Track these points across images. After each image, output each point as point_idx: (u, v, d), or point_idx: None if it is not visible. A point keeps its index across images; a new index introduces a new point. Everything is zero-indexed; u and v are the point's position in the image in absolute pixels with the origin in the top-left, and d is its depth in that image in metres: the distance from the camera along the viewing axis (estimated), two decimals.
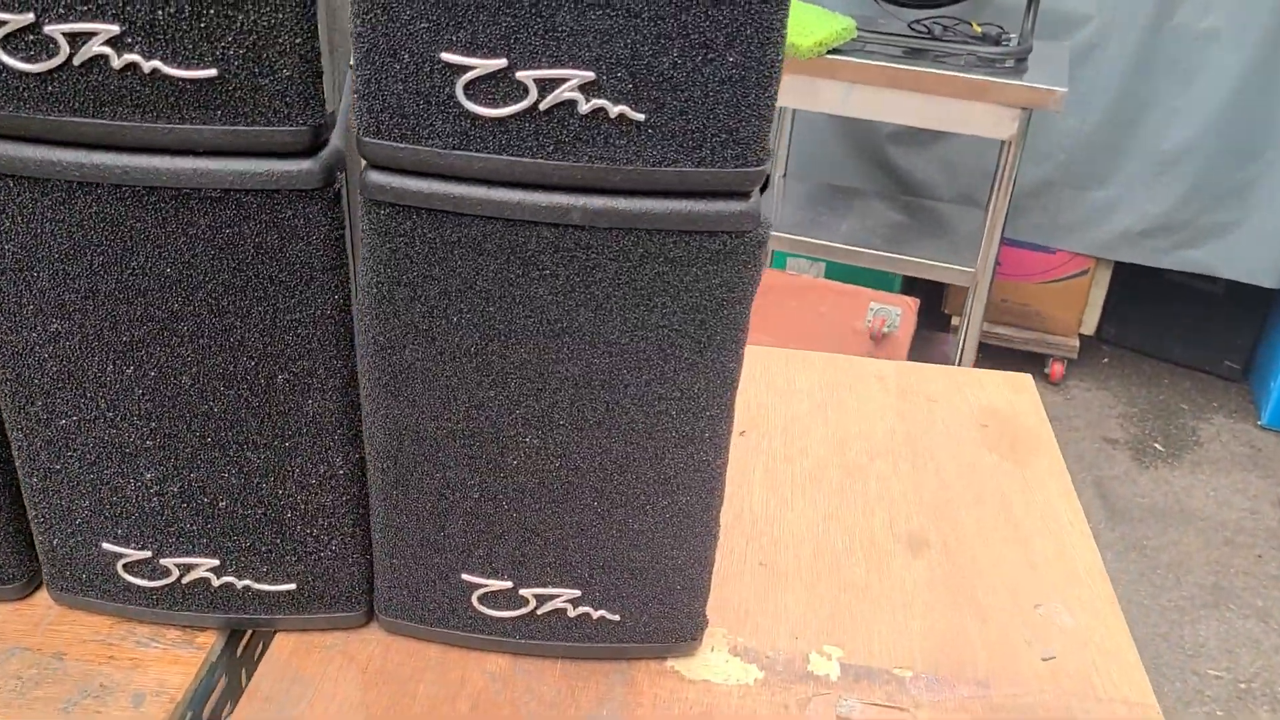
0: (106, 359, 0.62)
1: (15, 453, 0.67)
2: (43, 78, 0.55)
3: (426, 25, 0.54)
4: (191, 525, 0.67)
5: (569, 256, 0.59)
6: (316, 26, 0.56)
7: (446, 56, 0.54)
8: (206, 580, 0.69)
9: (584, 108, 0.55)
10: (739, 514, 0.85)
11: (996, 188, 2.09)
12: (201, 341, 0.62)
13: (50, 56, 0.55)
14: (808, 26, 2.00)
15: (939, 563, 0.82)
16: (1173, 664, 1.97)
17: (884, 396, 1.00)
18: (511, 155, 0.56)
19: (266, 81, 0.56)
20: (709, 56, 0.54)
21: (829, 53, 2.02)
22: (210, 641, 0.70)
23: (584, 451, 0.64)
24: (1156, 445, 2.54)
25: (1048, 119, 2.38)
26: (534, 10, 0.53)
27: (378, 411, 0.64)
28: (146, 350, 0.62)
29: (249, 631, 0.73)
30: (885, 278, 2.45)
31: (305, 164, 0.58)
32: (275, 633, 0.72)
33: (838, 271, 2.45)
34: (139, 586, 0.69)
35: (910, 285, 2.58)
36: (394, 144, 0.57)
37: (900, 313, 2.17)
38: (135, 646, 0.70)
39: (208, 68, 0.55)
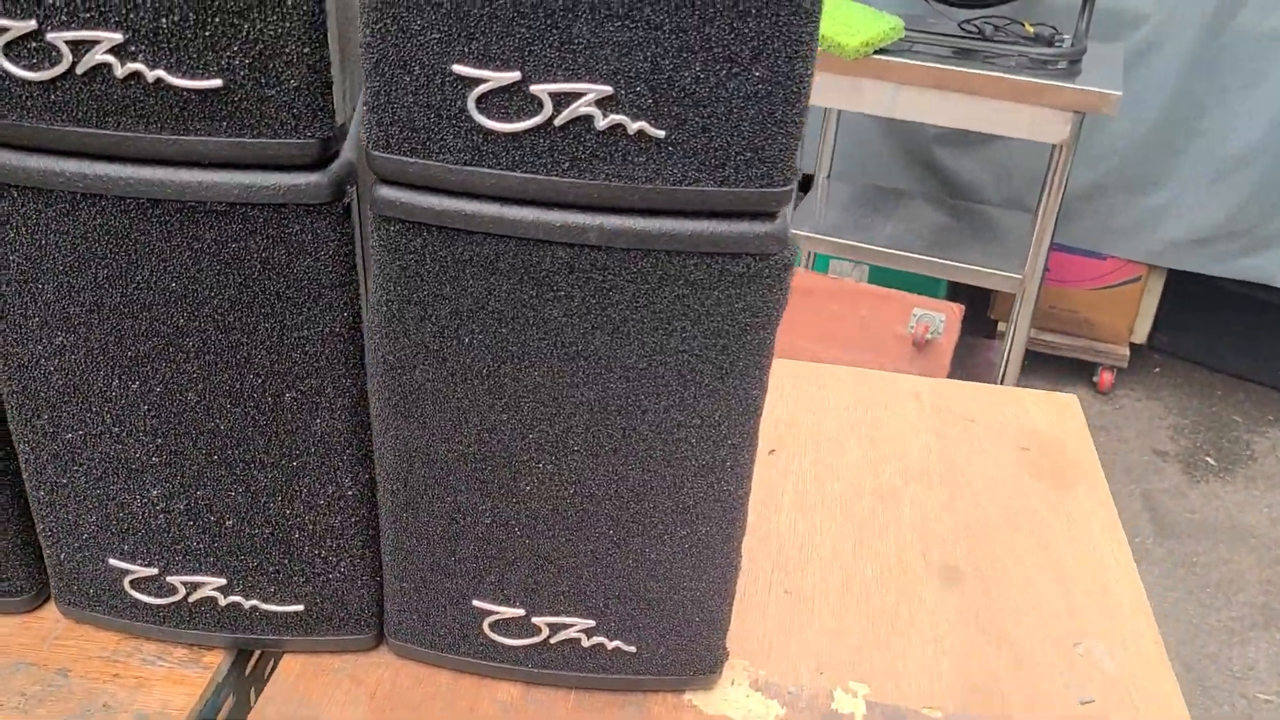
0: (112, 373, 0.61)
1: (23, 465, 0.65)
2: (45, 86, 0.54)
3: (438, 36, 0.51)
4: (198, 543, 0.66)
5: (585, 278, 0.56)
6: (325, 36, 0.54)
7: (458, 69, 0.52)
8: (213, 599, 0.67)
9: (601, 123, 0.52)
10: (765, 538, 0.82)
11: (1046, 192, 2.04)
12: (208, 358, 0.60)
13: (53, 65, 0.53)
14: (854, 26, 1.96)
15: (973, 595, 0.78)
16: (1221, 686, 1.92)
17: (920, 415, 0.96)
18: (525, 172, 0.54)
19: (273, 92, 0.54)
20: (733, 71, 0.51)
21: (876, 53, 1.97)
22: (217, 661, 0.69)
23: (600, 479, 0.62)
24: (1208, 459, 2.47)
25: (1101, 121, 2.32)
26: (549, 22, 0.50)
27: (387, 432, 0.62)
28: (152, 365, 0.60)
29: (258, 650, 0.72)
30: (930, 282, 2.40)
31: (313, 177, 0.56)
32: (283, 653, 0.70)
33: (881, 276, 2.40)
34: (145, 603, 0.68)
35: (956, 290, 2.53)
36: (404, 158, 0.54)
37: (944, 319, 2.12)
38: (141, 665, 0.68)
39: (212, 78, 0.53)
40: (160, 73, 0.53)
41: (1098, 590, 0.79)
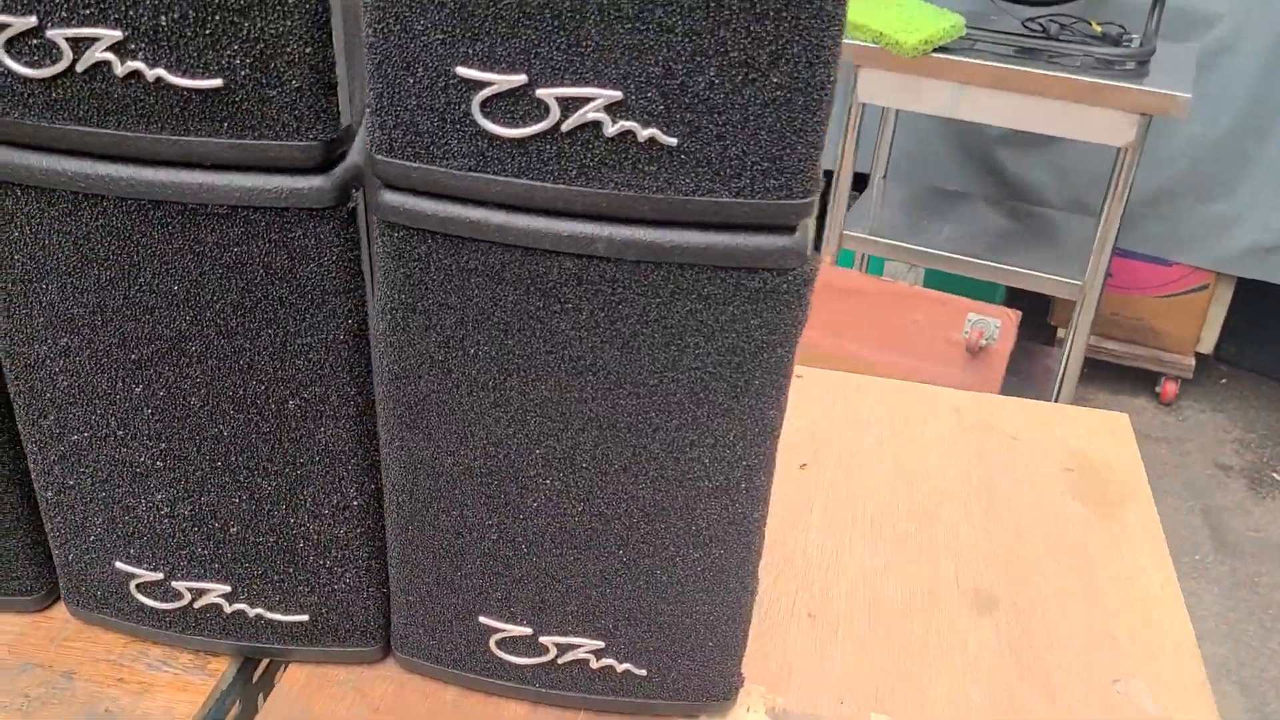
0: (116, 376, 0.60)
1: (31, 465, 0.65)
2: (47, 84, 0.52)
3: (441, 37, 0.49)
4: (203, 549, 0.65)
5: (593, 290, 0.54)
6: (329, 35, 0.52)
7: (462, 71, 0.50)
8: (218, 606, 0.66)
9: (610, 130, 0.50)
10: (790, 557, 0.79)
11: (1110, 196, 1.97)
12: (210, 362, 0.59)
13: (54, 62, 0.52)
14: (913, 23, 1.91)
15: (1007, 625, 0.75)
16: None
17: (960, 431, 0.93)
18: (531, 179, 0.51)
19: (275, 93, 0.52)
20: (750, 77, 0.49)
21: (935, 51, 1.92)
22: (223, 668, 0.68)
23: (609, 497, 0.59)
24: (1275, 474, 2.39)
25: (1170, 124, 2.24)
26: (556, 23, 0.48)
27: (393, 443, 0.60)
28: (155, 369, 0.59)
29: (266, 658, 0.70)
30: (987, 287, 2.34)
31: (317, 181, 0.54)
32: (288, 663, 0.69)
33: (937, 279, 2.35)
34: (151, 608, 0.67)
35: (1014, 296, 2.46)
36: (407, 163, 0.52)
37: (999, 325, 2.07)
38: (146, 669, 0.67)
39: (213, 77, 0.51)
40: (160, 71, 0.51)
41: (1141, 623, 0.75)
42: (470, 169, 0.52)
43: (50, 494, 0.65)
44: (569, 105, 0.50)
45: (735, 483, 0.59)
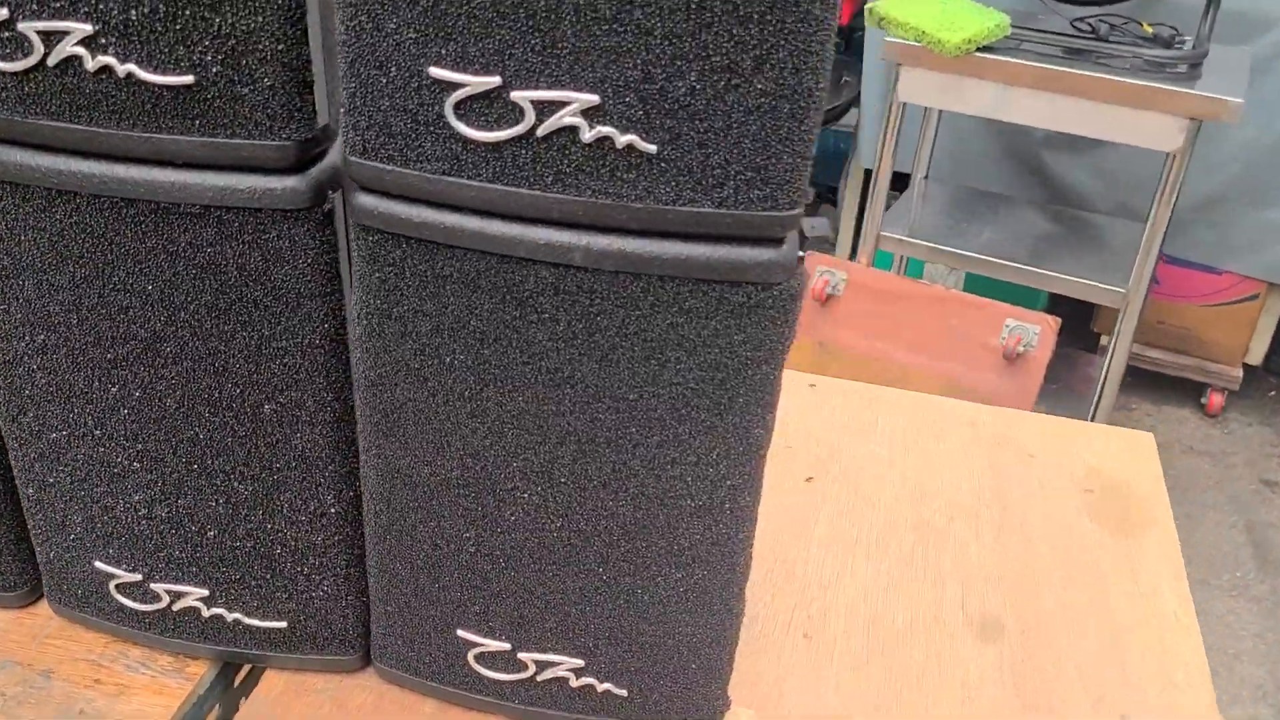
0: (92, 375, 0.59)
1: (12, 462, 0.64)
2: (19, 77, 0.51)
3: (414, 36, 0.47)
4: (180, 552, 0.64)
5: (571, 300, 0.52)
6: (304, 33, 0.50)
7: (435, 72, 0.48)
8: (196, 610, 0.65)
9: (587, 135, 0.48)
10: (790, 574, 0.77)
11: (1157, 202, 1.92)
12: (185, 364, 0.58)
13: (25, 55, 0.51)
14: (956, 21, 1.87)
15: (1012, 652, 0.72)
16: None
17: (975, 446, 0.90)
18: (506, 185, 0.50)
19: (247, 91, 0.50)
20: (733, 82, 0.46)
21: (979, 50, 1.88)
22: (201, 672, 0.67)
23: (588, 513, 0.57)
24: None
25: (1222, 129, 2.17)
26: (531, 24, 0.46)
27: (370, 450, 0.59)
28: (131, 369, 0.58)
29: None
30: (1029, 292, 2.29)
31: (291, 181, 0.53)
32: (266, 669, 0.67)
33: (977, 284, 2.30)
34: (131, 609, 0.66)
35: (1057, 301, 2.41)
36: (381, 165, 0.51)
37: (1039, 331, 2.02)
38: (124, 670, 0.66)
39: (184, 74, 0.50)
40: (131, 67, 0.50)
41: (1154, 654, 0.72)
42: (444, 173, 0.50)
43: (31, 491, 0.64)
44: (544, 109, 0.48)
45: (719, 502, 0.57)
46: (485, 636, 0.62)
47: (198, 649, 0.67)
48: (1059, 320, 2.06)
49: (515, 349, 0.53)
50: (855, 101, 2.58)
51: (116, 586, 0.66)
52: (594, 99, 0.47)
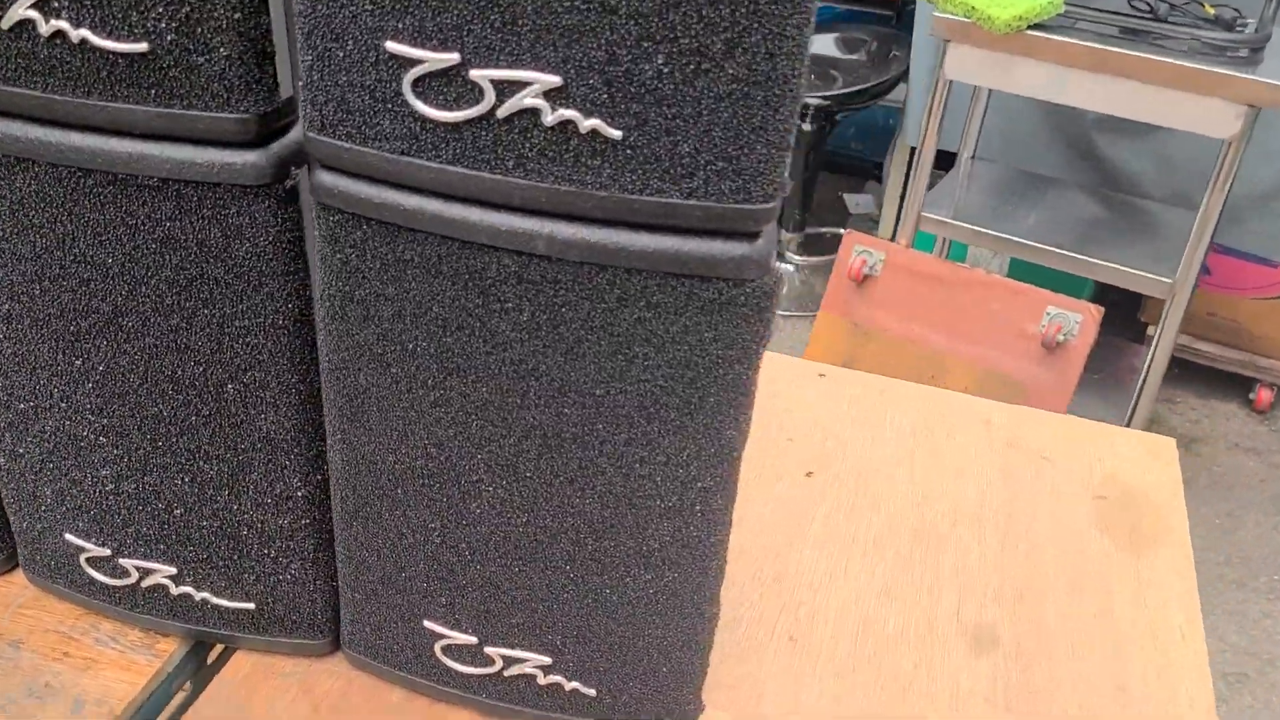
0: (56, 347, 0.58)
1: None
2: None
3: (371, 8, 0.45)
4: (148, 529, 0.62)
5: (534, 290, 0.49)
6: (264, 1, 0.48)
7: (392, 46, 0.45)
8: (165, 587, 0.64)
9: (549, 118, 0.45)
10: (780, 574, 0.74)
11: (1210, 191, 1.85)
12: (148, 340, 0.56)
13: None
14: None
15: (1006, 666, 0.69)
16: None
17: (987, 447, 0.86)
18: (466, 168, 0.47)
19: (202, 60, 0.48)
20: (702, 66, 0.43)
21: (1030, 28, 1.82)
22: (171, 649, 0.66)
23: (554, 510, 0.55)
24: None
25: None
26: None
27: (336, 435, 0.57)
28: (93, 343, 0.57)
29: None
30: (1075, 279, 2.23)
31: (251, 156, 0.51)
32: (235, 650, 0.66)
33: (1021, 269, 2.24)
34: (101, 583, 0.65)
35: (1104, 290, 2.34)
36: (339, 143, 0.48)
37: (1080, 320, 1.96)
38: (94, 644, 0.66)
39: (137, 41, 0.48)
40: (85, 32, 0.48)
41: (1157, 674, 0.69)
42: (403, 152, 0.48)
43: (2, 460, 0.63)
44: (504, 89, 0.45)
45: (689, 504, 0.54)
46: (452, 629, 0.61)
47: (166, 626, 0.66)
48: (1101, 309, 2.00)
49: (478, 338, 0.51)
50: (904, 76, 2.52)
51: (87, 560, 0.65)
52: (556, 80, 0.44)
